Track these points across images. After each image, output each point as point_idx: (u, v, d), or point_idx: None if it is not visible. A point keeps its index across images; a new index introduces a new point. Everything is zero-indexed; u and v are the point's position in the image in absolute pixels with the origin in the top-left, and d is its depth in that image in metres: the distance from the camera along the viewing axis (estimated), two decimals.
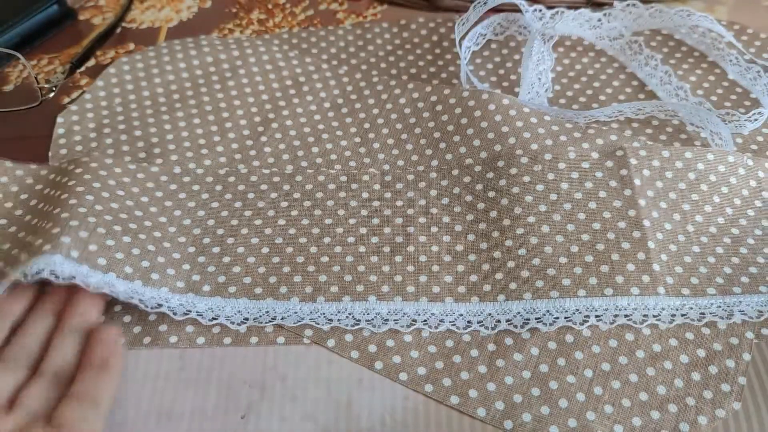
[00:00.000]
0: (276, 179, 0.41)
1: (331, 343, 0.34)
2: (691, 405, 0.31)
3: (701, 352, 0.33)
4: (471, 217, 0.39)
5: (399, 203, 0.40)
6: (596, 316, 0.34)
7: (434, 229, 0.38)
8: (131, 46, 0.53)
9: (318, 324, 0.35)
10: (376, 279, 0.36)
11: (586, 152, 0.39)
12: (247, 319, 0.35)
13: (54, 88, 0.48)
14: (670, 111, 0.45)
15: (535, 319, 0.34)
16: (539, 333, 0.34)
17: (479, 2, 0.48)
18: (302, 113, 0.46)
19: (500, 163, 0.40)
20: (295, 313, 0.35)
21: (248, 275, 0.37)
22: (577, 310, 0.34)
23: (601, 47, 0.51)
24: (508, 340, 0.34)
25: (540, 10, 0.50)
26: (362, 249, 0.38)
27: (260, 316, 0.35)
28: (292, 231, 0.39)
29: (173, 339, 0.35)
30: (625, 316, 0.34)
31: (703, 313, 0.34)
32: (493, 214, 0.38)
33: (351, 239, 0.38)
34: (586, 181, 0.38)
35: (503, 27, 0.53)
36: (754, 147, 0.43)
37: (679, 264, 0.36)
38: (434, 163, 0.42)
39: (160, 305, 0.35)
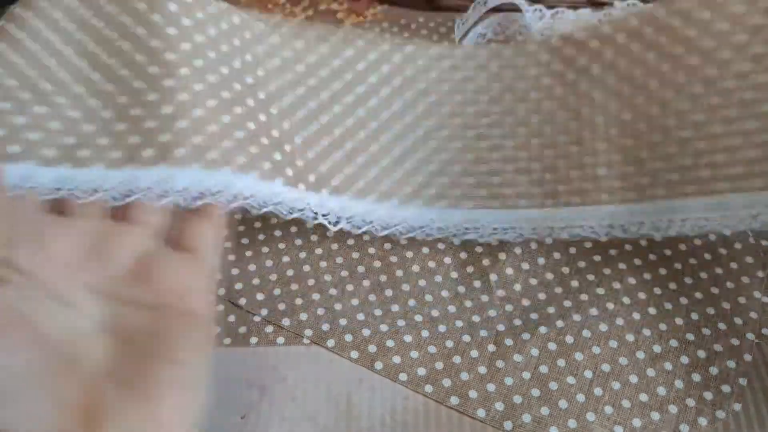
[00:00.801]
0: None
1: (330, 343, 0.34)
2: (692, 406, 0.31)
3: (701, 353, 0.33)
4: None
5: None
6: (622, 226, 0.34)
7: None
8: None
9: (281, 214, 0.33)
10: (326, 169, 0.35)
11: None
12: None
13: None
14: None
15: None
16: (539, 334, 0.34)
17: (479, 2, 0.48)
18: None
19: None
20: (252, 197, 0.31)
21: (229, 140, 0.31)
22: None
23: None
24: (508, 341, 0.34)
25: (540, 10, 0.50)
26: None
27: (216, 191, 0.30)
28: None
29: None
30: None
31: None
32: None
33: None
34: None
35: (503, 27, 0.53)
36: None
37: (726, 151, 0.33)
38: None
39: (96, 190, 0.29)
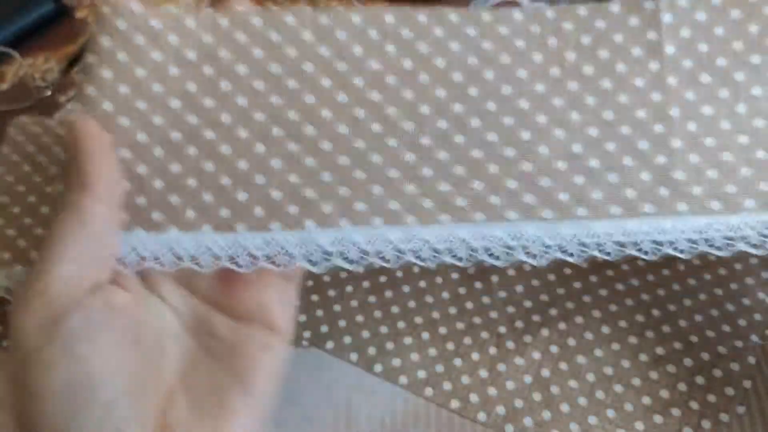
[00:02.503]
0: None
1: (329, 345, 0.34)
2: (695, 409, 0.31)
3: (705, 356, 0.33)
4: (443, 93, 0.28)
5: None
6: (597, 245, 0.27)
7: (392, 111, 0.28)
8: None
9: (240, 266, 0.27)
10: (314, 194, 0.27)
11: (602, 7, 0.29)
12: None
13: (50, 87, 0.48)
14: None
15: (522, 247, 0.27)
16: (541, 336, 0.34)
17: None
18: None
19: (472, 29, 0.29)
20: (209, 248, 0.27)
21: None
22: (574, 235, 0.27)
23: None
24: (510, 343, 0.34)
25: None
26: (293, 146, 0.28)
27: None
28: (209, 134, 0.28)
29: None
30: (634, 243, 0.27)
31: (731, 239, 0.27)
32: (473, 92, 0.28)
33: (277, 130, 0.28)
34: (600, 49, 0.29)
35: None
36: None
37: (715, 165, 0.27)
38: None
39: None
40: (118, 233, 0.26)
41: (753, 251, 0.26)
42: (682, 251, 0.27)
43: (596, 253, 0.27)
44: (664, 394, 0.31)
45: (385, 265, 0.27)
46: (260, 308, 0.27)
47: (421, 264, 0.27)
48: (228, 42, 0.28)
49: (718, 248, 0.27)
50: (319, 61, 0.28)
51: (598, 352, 0.33)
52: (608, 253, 0.27)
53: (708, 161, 0.27)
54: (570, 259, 0.27)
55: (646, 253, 0.27)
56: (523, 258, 0.27)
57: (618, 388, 0.32)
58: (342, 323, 0.35)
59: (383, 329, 0.35)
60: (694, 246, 0.27)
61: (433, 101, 0.28)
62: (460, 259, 0.27)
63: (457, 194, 0.27)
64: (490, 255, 0.27)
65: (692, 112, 0.28)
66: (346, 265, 0.27)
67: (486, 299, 0.36)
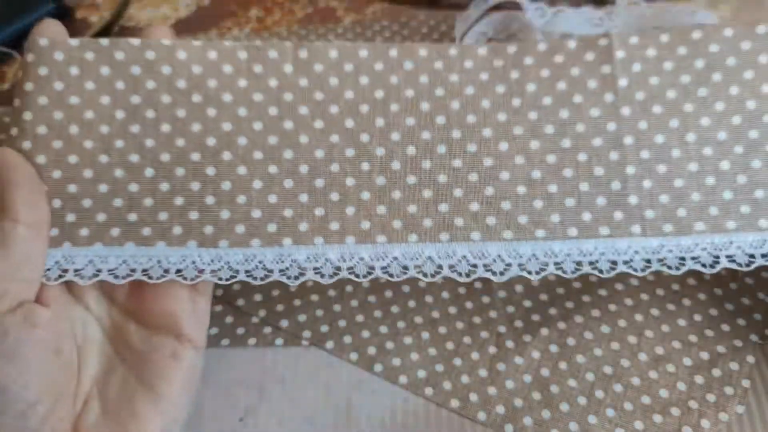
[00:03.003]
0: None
1: (329, 344, 0.34)
2: (695, 408, 0.31)
3: (704, 355, 0.33)
4: (412, 121, 0.30)
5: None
6: (556, 264, 0.29)
7: (365, 137, 0.30)
8: None
9: (221, 280, 0.29)
10: (291, 213, 0.29)
11: (560, 43, 0.31)
12: (134, 270, 0.29)
13: None
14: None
15: (483, 265, 0.29)
16: (540, 336, 0.34)
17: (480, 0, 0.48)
18: None
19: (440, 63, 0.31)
20: (193, 262, 0.29)
21: (133, 211, 0.29)
22: (534, 255, 0.29)
23: None
24: (510, 343, 0.34)
25: (542, 8, 0.50)
26: (273, 168, 0.30)
27: (151, 268, 0.29)
28: (180, 142, 0.30)
29: None
30: (590, 263, 0.29)
31: (683, 259, 0.29)
32: (440, 120, 0.30)
33: (258, 154, 0.30)
34: (558, 81, 0.30)
35: (504, 25, 0.52)
36: None
37: (667, 190, 0.29)
38: None
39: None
40: (43, 253, 0.28)
41: (704, 270, 0.28)
42: (636, 270, 0.29)
43: (555, 272, 0.29)
44: (664, 393, 0.31)
45: (356, 280, 0.29)
46: (169, 318, 0.29)
47: (390, 279, 0.29)
48: (215, 72, 0.30)
49: (669, 267, 0.29)
50: (298, 91, 0.30)
51: (598, 352, 0.33)
52: (565, 272, 0.29)
53: (660, 187, 0.29)
54: (530, 277, 0.29)
55: (601, 271, 0.29)
56: (485, 275, 0.29)
57: (617, 387, 0.32)
58: (342, 323, 0.35)
59: (383, 329, 0.35)
60: (648, 265, 0.29)
61: (403, 129, 0.30)
62: (426, 275, 0.29)
63: (425, 216, 0.29)
64: (455, 272, 0.29)
65: (645, 140, 0.29)
66: (320, 279, 0.29)
67: (485, 299, 0.36)
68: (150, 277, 0.29)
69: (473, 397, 0.32)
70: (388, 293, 0.36)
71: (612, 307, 0.35)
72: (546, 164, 0.29)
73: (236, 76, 0.30)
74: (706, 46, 0.30)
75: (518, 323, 0.35)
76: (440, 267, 0.29)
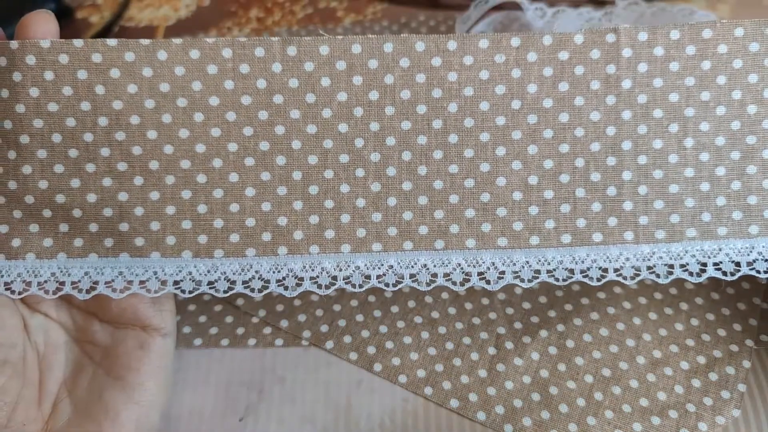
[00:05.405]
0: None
1: (329, 344, 0.34)
2: (692, 411, 0.31)
3: (701, 359, 0.33)
4: (408, 125, 0.29)
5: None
6: (548, 271, 0.29)
7: (359, 142, 0.29)
8: None
9: (217, 293, 0.28)
10: (286, 222, 0.29)
11: (566, 37, 0.29)
12: (131, 283, 0.29)
13: None
14: None
15: (477, 273, 0.29)
16: (540, 337, 0.34)
17: (480, 0, 0.48)
18: None
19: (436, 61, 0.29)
20: (189, 273, 0.29)
21: (124, 220, 0.29)
22: (527, 262, 0.29)
23: None
24: (509, 344, 0.34)
25: (541, 9, 0.50)
26: (265, 175, 0.29)
27: (148, 280, 0.29)
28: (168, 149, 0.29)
29: None
30: (581, 271, 0.29)
31: (671, 266, 0.29)
32: (437, 125, 0.29)
33: (249, 160, 0.29)
34: (560, 81, 0.29)
35: (504, 25, 0.52)
36: None
37: (662, 196, 0.29)
38: None
39: (27, 288, 0.28)
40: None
41: (691, 279, 0.28)
42: (626, 278, 0.29)
43: (547, 279, 0.29)
44: (662, 396, 0.32)
45: (352, 289, 0.29)
46: (131, 311, 0.29)
47: (386, 289, 0.29)
48: (199, 74, 0.29)
49: (658, 276, 0.29)
50: (288, 93, 0.29)
51: (596, 354, 0.33)
52: (557, 280, 0.29)
53: (655, 192, 0.29)
54: (523, 285, 0.29)
55: (592, 279, 0.29)
56: (479, 284, 0.29)
57: (616, 389, 0.32)
58: (341, 323, 0.35)
59: (383, 328, 0.35)
60: (638, 273, 0.29)
61: (399, 133, 0.29)
62: (420, 284, 0.29)
63: (421, 223, 0.29)
64: (450, 281, 0.29)
65: (643, 145, 0.29)
66: (317, 291, 0.29)
67: (485, 300, 0.36)
68: (148, 291, 0.28)
69: (473, 397, 0.32)
70: (388, 293, 0.36)
71: (611, 310, 0.35)
72: (543, 170, 0.29)
73: (222, 77, 0.29)
74: (715, 46, 0.29)
75: (517, 325, 0.35)
76: (435, 276, 0.29)
